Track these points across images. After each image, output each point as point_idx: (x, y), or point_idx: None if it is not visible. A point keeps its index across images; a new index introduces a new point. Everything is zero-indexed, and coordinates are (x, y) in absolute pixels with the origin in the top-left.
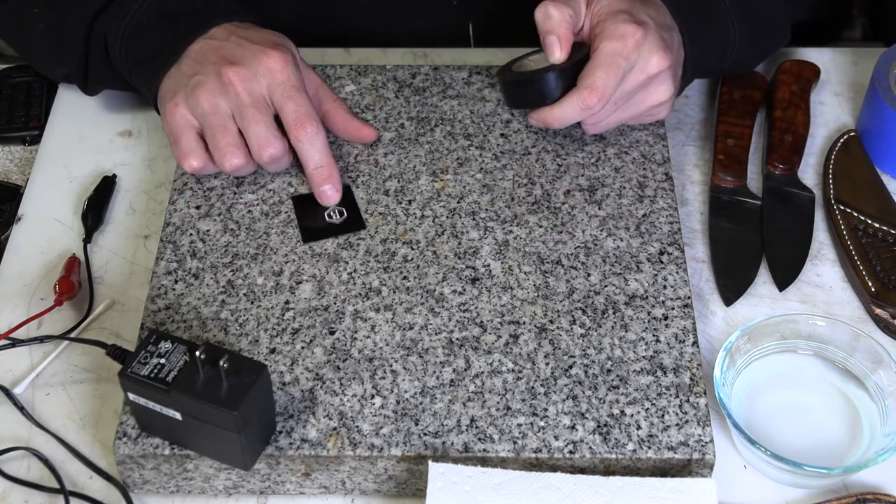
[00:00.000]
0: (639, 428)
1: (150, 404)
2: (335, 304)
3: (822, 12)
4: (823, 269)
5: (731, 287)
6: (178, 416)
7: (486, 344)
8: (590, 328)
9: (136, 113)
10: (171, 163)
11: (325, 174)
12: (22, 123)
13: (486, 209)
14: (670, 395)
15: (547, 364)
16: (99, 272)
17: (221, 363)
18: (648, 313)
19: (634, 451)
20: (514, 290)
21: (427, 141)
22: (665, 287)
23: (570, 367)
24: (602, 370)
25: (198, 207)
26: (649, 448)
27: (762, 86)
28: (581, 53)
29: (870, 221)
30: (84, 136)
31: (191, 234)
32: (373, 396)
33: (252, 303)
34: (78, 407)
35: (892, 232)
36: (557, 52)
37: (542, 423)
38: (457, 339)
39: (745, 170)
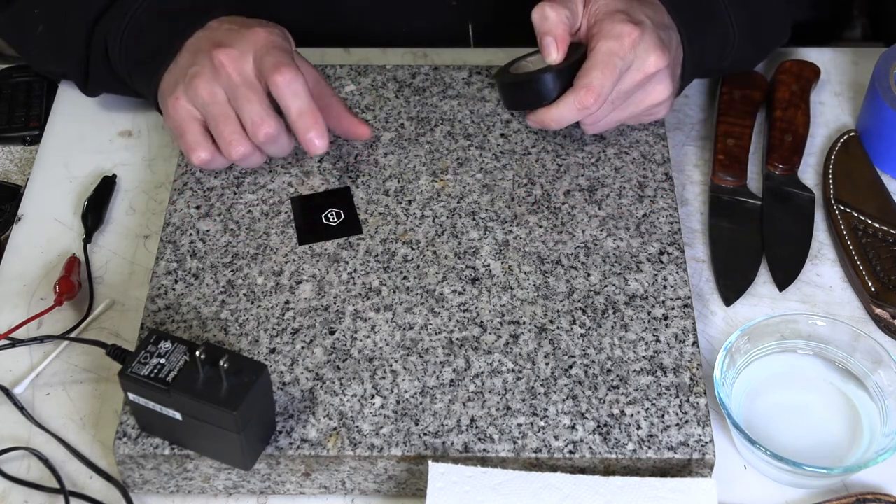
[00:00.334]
0: (639, 428)
1: (150, 404)
2: (335, 304)
3: (822, 12)
4: (823, 269)
5: (731, 287)
6: (178, 416)
7: (486, 344)
8: (590, 328)
9: (136, 113)
10: (172, 163)
11: (308, 121)
12: (22, 123)
13: (486, 209)
14: (670, 395)
15: (547, 364)
16: (99, 272)
17: (221, 363)
18: (648, 313)
19: (634, 451)
20: (514, 290)
21: (427, 141)
22: (665, 287)
23: (570, 367)
24: (602, 370)
25: (198, 207)
26: (649, 448)
27: (762, 86)
28: (578, 54)
29: (870, 221)
30: (84, 136)
31: (191, 234)
32: (373, 396)
33: (252, 303)
34: (78, 407)
35: (892, 232)
36: (554, 54)
37: (542, 423)
38: (457, 339)
39: (745, 170)
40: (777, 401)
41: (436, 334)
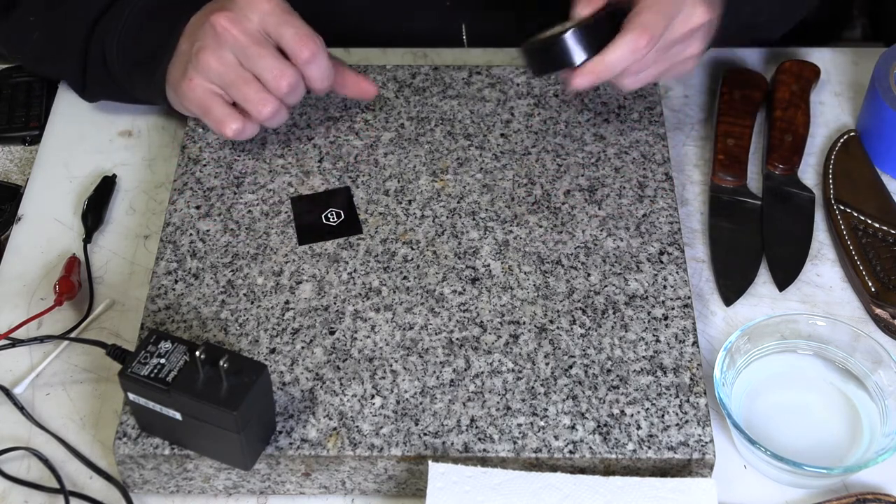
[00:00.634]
0: (639, 428)
1: (150, 404)
2: (335, 304)
3: (822, 12)
4: (823, 269)
5: (731, 287)
6: (178, 416)
7: (486, 344)
8: (590, 328)
9: (136, 113)
10: (171, 163)
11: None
12: (22, 123)
13: (486, 209)
14: (670, 395)
15: (547, 364)
16: (99, 272)
17: (221, 363)
18: (648, 313)
19: (634, 451)
20: (514, 290)
21: (427, 141)
22: (665, 287)
23: (570, 367)
24: (602, 370)
25: (198, 207)
26: (649, 448)
27: (762, 86)
28: (608, 15)
29: (870, 221)
30: (84, 136)
31: (191, 234)
32: (373, 396)
33: (252, 303)
34: (78, 407)
35: (892, 232)
36: (584, 9)
37: (542, 423)
38: (457, 339)
39: (745, 170)
40: (777, 401)
41: (436, 334)
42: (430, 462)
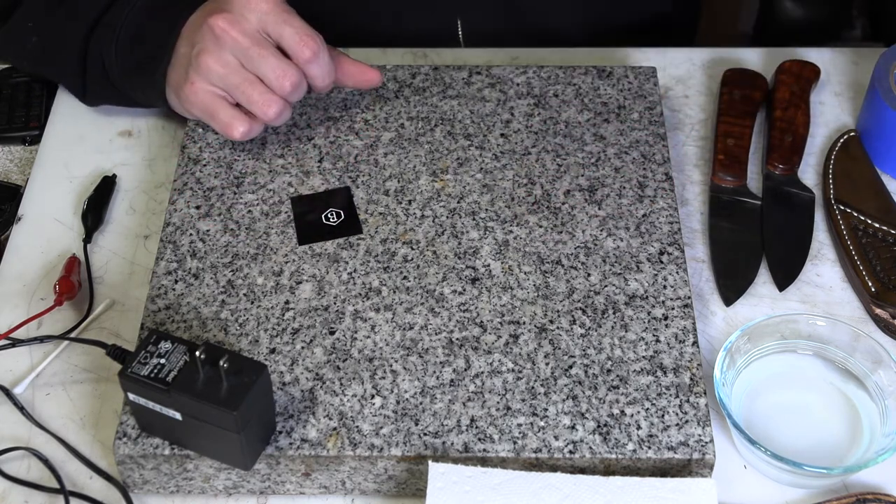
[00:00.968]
0: (639, 428)
1: (150, 404)
2: (335, 304)
3: (823, 12)
4: (823, 269)
5: (731, 287)
6: (178, 416)
7: (486, 344)
8: (590, 328)
9: (136, 113)
10: (171, 163)
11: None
12: (22, 123)
13: (486, 209)
14: (670, 395)
15: (547, 364)
16: (99, 272)
17: (221, 363)
18: (648, 313)
19: (634, 451)
20: (514, 290)
21: (427, 141)
22: (665, 287)
23: (570, 367)
24: (602, 370)
25: (198, 207)
26: (649, 448)
27: (762, 86)
28: None
29: (870, 221)
30: (84, 136)
31: (191, 234)
32: (373, 396)
33: (252, 303)
34: (78, 407)
35: (892, 232)
36: None
37: (542, 423)
38: (457, 339)
39: (745, 170)
40: (777, 401)
41: (436, 334)
42: (430, 462)
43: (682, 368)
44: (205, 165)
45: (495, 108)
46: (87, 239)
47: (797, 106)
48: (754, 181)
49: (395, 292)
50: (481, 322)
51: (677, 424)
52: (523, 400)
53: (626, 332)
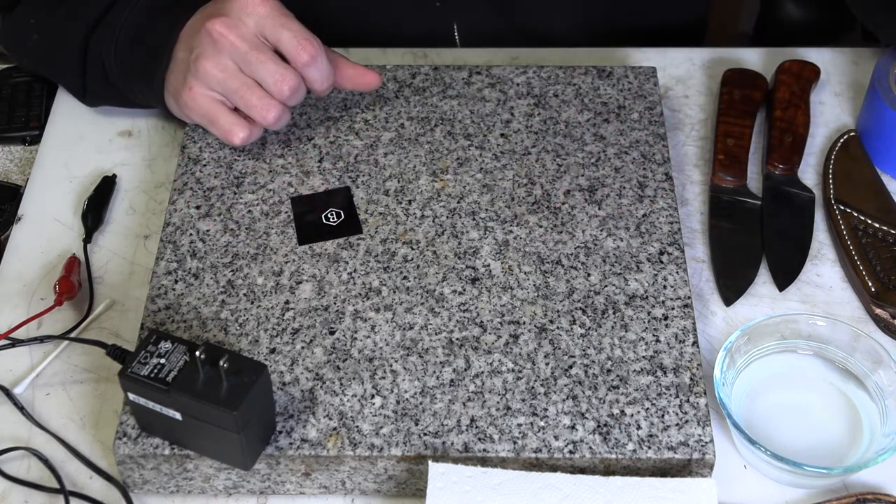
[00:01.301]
0: (639, 428)
1: (150, 404)
2: (335, 304)
3: (823, 12)
4: (823, 269)
5: (731, 287)
6: (178, 416)
7: (486, 344)
8: (590, 328)
9: (136, 113)
10: (171, 163)
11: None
12: (22, 123)
13: (486, 209)
14: (670, 395)
15: (547, 364)
16: (99, 272)
17: (221, 363)
18: (648, 313)
19: (634, 451)
20: (514, 290)
21: (427, 141)
22: (665, 287)
23: (570, 367)
24: (602, 370)
25: (198, 207)
26: (649, 448)
27: (762, 86)
28: None
29: (870, 221)
30: (84, 136)
31: (191, 234)
32: (373, 396)
33: (252, 303)
34: (78, 407)
35: (892, 232)
36: None
37: (542, 423)
38: (457, 339)
39: (745, 170)
40: (777, 401)
41: (436, 334)
42: (430, 462)
43: (682, 368)
44: (205, 165)
45: (495, 108)
46: (87, 239)
47: (797, 106)
48: (754, 181)
49: (395, 292)
50: (481, 322)
51: (677, 424)
52: (523, 400)
53: (626, 332)
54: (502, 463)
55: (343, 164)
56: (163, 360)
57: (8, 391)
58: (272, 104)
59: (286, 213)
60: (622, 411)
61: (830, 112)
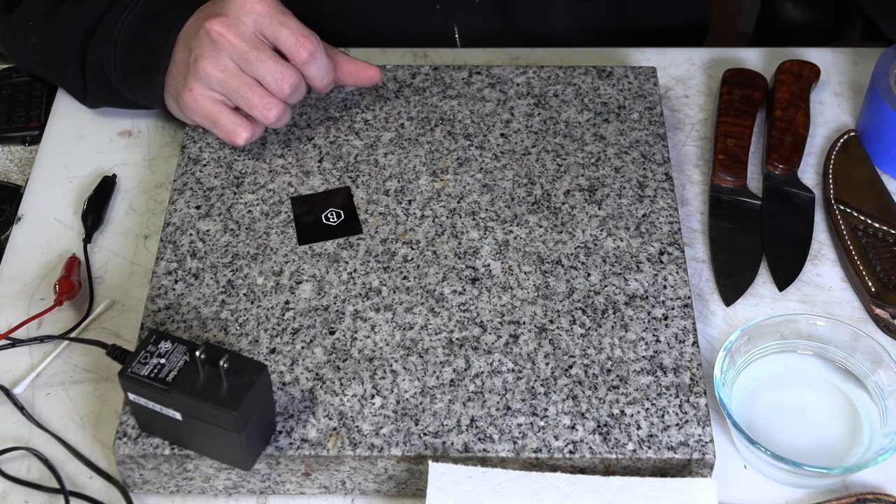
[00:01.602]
0: (639, 428)
1: (150, 404)
2: (335, 304)
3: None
4: (823, 269)
5: (731, 287)
6: (178, 416)
7: (486, 344)
8: (590, 328)
9: (136, 113)
10: (171, 163)
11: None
12: (22, 123)
13: (486, 209)
14: (670, 395)
15: (547, 364)
16: (99, 272)
17: (221, 363)
18: (648, 313)
19: (634, 451)
20: (514, 290)
21: (427, 141)
22: (665, 287)
23: (570, 367)
24: (602, 370)
25: (198, 207)
26: (649, 448)
27: (762, 86)
28: None
29: (870, 221)
30: (84, 136)
31: (191, 234)
32: (373, 396)
33: (252, 303)
34: (78, 407)
35: (892, 232)
36: None
37: (542, 423)
38: (457, 339)
39: (745, 170)
40: (777, 401)
41: (436, 334)
42: (430, 462)
43: (682, 368)
44: (205, 165)
45: (495, 108)
46: (87, 239)
47: (797, 106)
48: (754, 181)
49: (395, 292)
50: (481, 322)
51: (677, 424)
52: (523, 400)
53: (626, 332)
54: (502, 463)
55: (343, 164)
56: (163, 360)
57: (8, 391)
58: (273, 102)
59: (286, 213)
60: (622, 411)
61: (830, 112)
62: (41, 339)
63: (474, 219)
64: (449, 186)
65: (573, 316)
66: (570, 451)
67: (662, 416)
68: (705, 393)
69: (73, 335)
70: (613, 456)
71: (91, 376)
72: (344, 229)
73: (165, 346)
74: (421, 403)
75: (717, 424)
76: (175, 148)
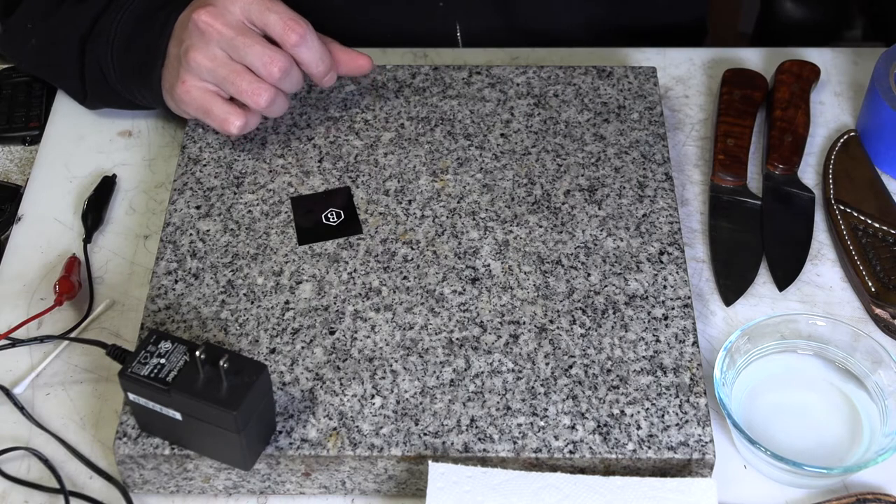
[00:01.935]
0: (639, 428)
1: (150, 404)
2: (335, 304)
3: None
4: (823, 269)
5: (731, 287)
6: (178, 416)
7: (486, 344)
8: (590, 328)
9: (137, 113)
10: (171, 163)
11: (333, 72)
12: (22, 123)
13: (486, 209)
14: (670, 395)
15: (547, 364)
16: (99, 272)
17: (221, 363)
18: (648, 313)
19: (634, 451)
20: (514, 290)
21: (427, 141)
22: (665, 287)
23: (570, 367)
24: (602, 370)
25: (198, 207)
26: (649, 448)
27: (762, 86)
28: None
29: (870, 221)
30: (84, 136)
31: (191, 234)
32: (373, 396)
33: (252, 303)
34: (78, 407)
35: (892, 232)
36: None
37: (542, 423)
38: (457, 339)
39: (745, 170)
40: (777, 401)
41: (436, 334)
42: (430, 462)
43: (682, 368)
44: (205, 165)
45: (495, 108)
46: (87, 239)
47: (797, 106)
48: (754, 181)
49: (395, 292)
50: (481, 322)
51: (677, 424)
52: (523, 400)
53: (626, 332)
54: (502, 463)
55: (343, 164)
56: (163, 360)
57: (8, 391)
58: (263, 87)
59: (286, 213)
60: (622, 411)
61: (830, 112)
62: (41, 339)
63: (474, 219)
64: (449, 186)
65: (573, 316)
66: (570, 451)
67: (662, 416)
68: (705, 393)
69: (73, 335)
70: (613, 456)
71: (91, 376)
72: (344, 229)
73: (165, 346)
74: (421, 403)
75: (717, 424)
76: (175, 148)
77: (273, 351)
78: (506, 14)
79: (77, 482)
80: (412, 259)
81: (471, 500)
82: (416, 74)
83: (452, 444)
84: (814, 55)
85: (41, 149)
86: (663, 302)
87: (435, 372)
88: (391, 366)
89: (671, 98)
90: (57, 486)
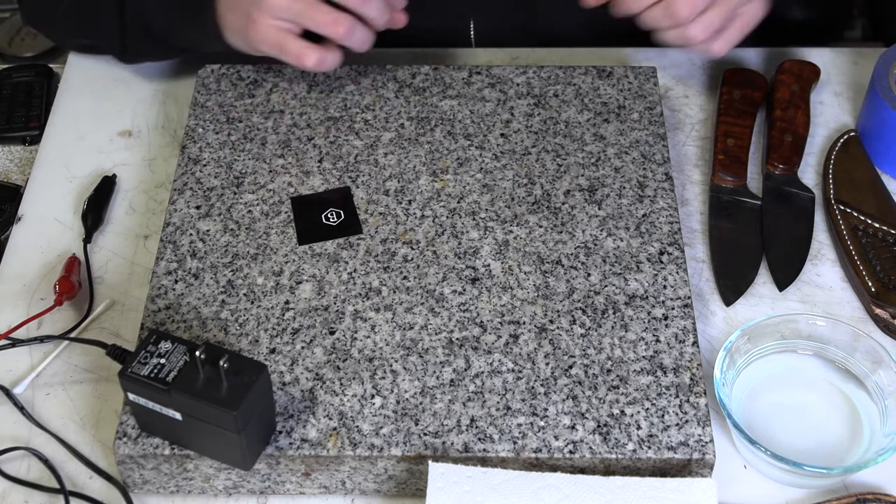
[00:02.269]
0: (639, 428)
1: (150, 404)
2: (335, 304)
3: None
4: (823, 269)
5: (731, 287)
6: (178, 416)
7: (486, 344)
8: (590, 328)
9: (137, 113)
10: (171, 163)
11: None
12: (22, 123)
13: (486, 209)
14: (670, 395)
15: (547, 364)
16: (99, 272)
17: (221, 363)
18: (648, 313)
19: (634, 451)
20: (514, 290)
21: (427, 141)
22: (665, 287)
23: (570, 367)
24: (602, 370)
25: (198, 207)
26: (649, 448)
27: (762, 86)
28: None
29: (870, 221)
30: (84, 136)
31: (191, 234)
32: (373, 396)
33: (252, 303)
34: (78, 407)
35: (892, 232)
36: None
37: (542, 423)
38: (457, 339)
39: (745, 170)
40: (777, 401)
41: (436, 334)
42: (430, 462)
43: (682, 368)
44: (205, 165)
45: (495, 108)
46: (87, 239)
47: (797, 106)
48: (754, 181)
49: (395, 292)
50: (481, 322)
51: (677, 424)
52: (523, 400)
53: (626, 332)
54: (502, 463)
55: (343, 164)
56: (163, 360)
57: (8, 391)
58: (342, 17)
59: (286, 213)
60: (622, 411)
61: (830, 112)
62: (41, 339)
63: (474, 219)
64: (449, 186)
65: (573, 316)
66: (570, 451)
67: (662, 416)
68: (705, 393)
69: (73, 335)
70: (613, 456)
71: (91, 376)
72: (344, 229)
73: (165, 346)
74: (421, 403)
75: (717, 424)
76: (175, 148)
77: (273, 351)
78: (521, 14)
79: (77, 482)
80: (412, 259)
81: (471, 500)
82: (416, 74)
83: (452, 444)
84: (814, 55)
85: (41, 149)
86: (663, 302)
87: (435, 372)
88: (391, 366)
89: (671, 98)
90: (57, 486)
